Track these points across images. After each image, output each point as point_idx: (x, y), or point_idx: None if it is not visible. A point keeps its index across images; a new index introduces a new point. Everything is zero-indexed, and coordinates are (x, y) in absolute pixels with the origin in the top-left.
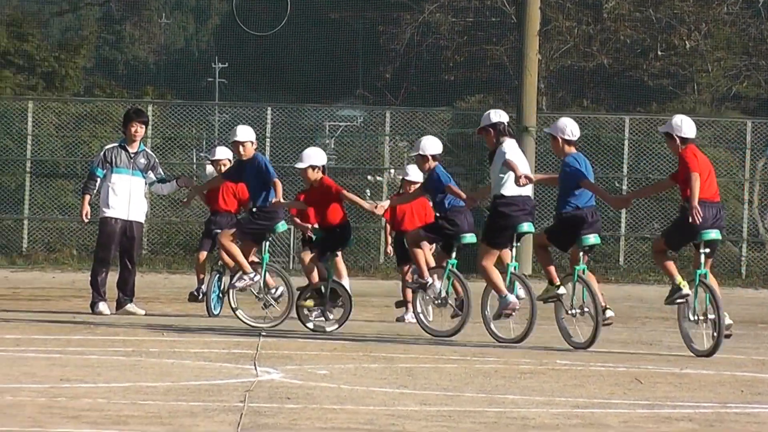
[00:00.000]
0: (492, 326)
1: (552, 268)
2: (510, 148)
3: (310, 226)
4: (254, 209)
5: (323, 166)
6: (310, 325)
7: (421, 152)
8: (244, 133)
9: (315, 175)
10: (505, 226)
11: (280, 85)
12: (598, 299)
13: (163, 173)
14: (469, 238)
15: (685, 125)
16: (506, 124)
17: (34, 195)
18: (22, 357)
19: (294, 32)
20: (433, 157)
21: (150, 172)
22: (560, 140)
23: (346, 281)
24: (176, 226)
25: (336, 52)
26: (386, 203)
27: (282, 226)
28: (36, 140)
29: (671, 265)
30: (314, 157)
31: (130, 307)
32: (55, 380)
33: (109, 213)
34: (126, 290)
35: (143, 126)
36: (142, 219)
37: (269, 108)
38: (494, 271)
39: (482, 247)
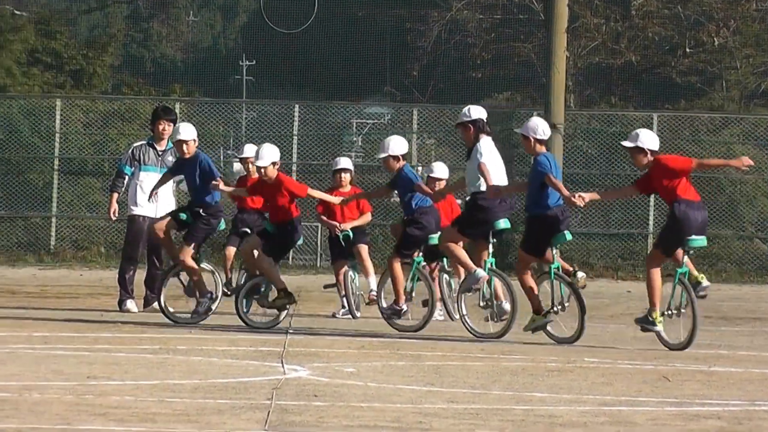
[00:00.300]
0: (469, 322)
1: (537, 294)
2: (486, 147)
3: (337, 224)
4: (200, 210)
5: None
6: (257, 318)
7: (390, 153)
8: (188, 132)
9: (273, 172)
10: (483, 220)
11: (307, 83)
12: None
13: None
14: (436, 237)
15: (651, 138)
16: (485, 121)
17: (62, 193)
18: (50, 354)
19: (321, 30)
20: (403, 156)
21: None
22: (532, 140)
23: (372, 279)
24: None
25: (363, 50)
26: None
27: (222, 224)
28: (64, 138)
29: (659, 292)
30: (274, 153)
31: (157, 305)
32: (83, 378)
33: (137, 211)
34: (153, 288)
35: (171, 124)
36: None
37: (296, 105)
38: (459, 248)
39: (451, 231)
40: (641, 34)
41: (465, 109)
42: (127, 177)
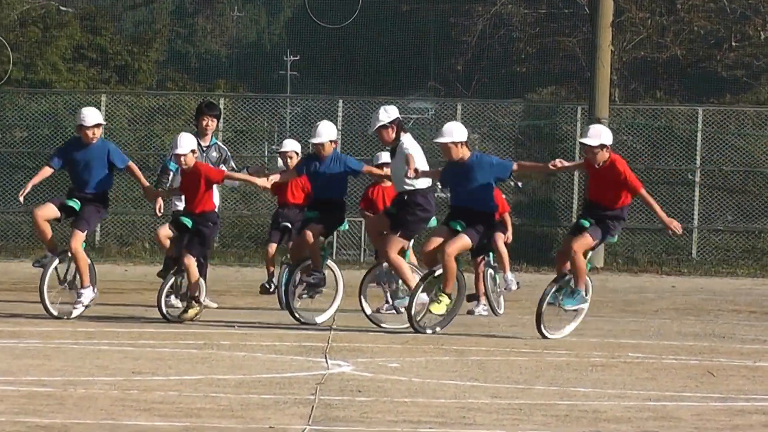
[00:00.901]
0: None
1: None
2: (410, 142)
3: None
4: (92, 197)
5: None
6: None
7: (327, 139)
8: (93, 117)
9: (192, 160)
10: (425, 218)
11: (351, 78)
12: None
13: (234, 166)
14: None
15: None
16: (400, 118)
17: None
18: (95, 350)
19: (366, 24)
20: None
21: (222, 165)
22: (454, 146)
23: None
24: (247, 219)
25: (408, 45)
26: (276, 176)
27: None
28: (109, 134)
29: None
30: (193, 142)
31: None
32: (128, 373)
33: (181, 206)
34: None
35: (215, 119)
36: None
37: (341, 100)
38: (404, 262)
39: (394, 240)
40: (687, 27)
41: (381, 111)
42: (171, 173)
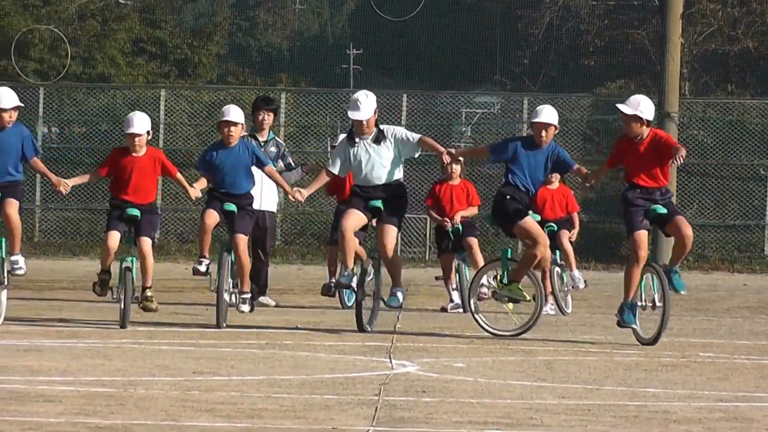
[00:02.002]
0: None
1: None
2: (396, 127)
3: (447, 220)
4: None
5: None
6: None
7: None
8: (9, 99)
9: (144, 141)
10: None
11: (415, 72)
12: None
13: (293, 162)
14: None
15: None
16: None
17: (166, 185)
18: (156, 350)
19: (430, 17)
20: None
21: (280, 160)
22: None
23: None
24: (310, 216)
25: (473, 38)
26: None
27: None
28: (168, 129)
29: None
30: (147, 121)
31: (263, 299)
32: (189, 373)
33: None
34: (259, 282)
35: (271, 114)
36: (274, 209)
37: (404, 95)
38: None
39: (394, 231)
40: (759, 19)
41: (360, 99)
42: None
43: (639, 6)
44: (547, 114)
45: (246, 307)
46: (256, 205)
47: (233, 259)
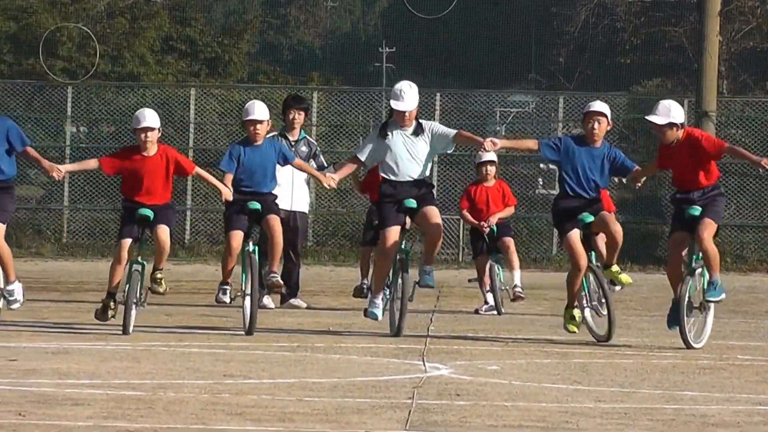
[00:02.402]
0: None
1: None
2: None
3: (483, 223)
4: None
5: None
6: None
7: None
8: None
9: (156, 137)
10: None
11: (449, 70)
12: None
13: (324, 162)
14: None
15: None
16: None
17: (196, 185)
18: (186, 352)
19: (464, 15)
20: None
21: (311, 160)
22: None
23: (518, 274)
24: (342, 216)
25: (507, 36)
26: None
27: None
28: (198, 128)
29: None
30: (158, 117)
31: (294, 300)
32: (219, 376)
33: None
34: (290, 283)
35: (302, 112)
36: (305, 209)
37: (438, 94)
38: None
39: (438, 211)
40: None
41: (403, 89)
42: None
43: (676, 3)
44: (600, 105)
45: (268, 300)
46: (287, 206)
47: (258, 252)
